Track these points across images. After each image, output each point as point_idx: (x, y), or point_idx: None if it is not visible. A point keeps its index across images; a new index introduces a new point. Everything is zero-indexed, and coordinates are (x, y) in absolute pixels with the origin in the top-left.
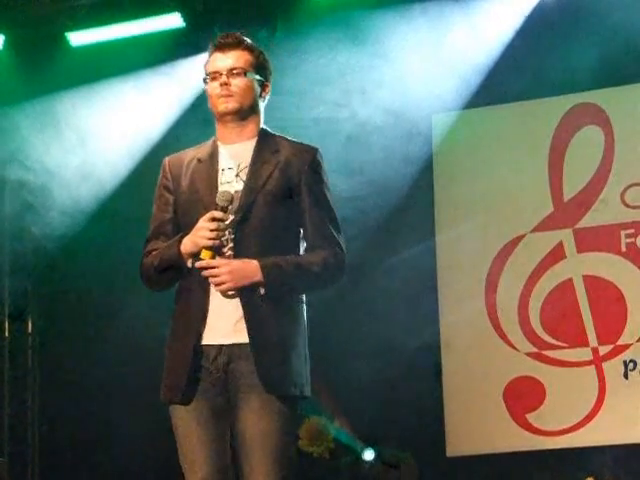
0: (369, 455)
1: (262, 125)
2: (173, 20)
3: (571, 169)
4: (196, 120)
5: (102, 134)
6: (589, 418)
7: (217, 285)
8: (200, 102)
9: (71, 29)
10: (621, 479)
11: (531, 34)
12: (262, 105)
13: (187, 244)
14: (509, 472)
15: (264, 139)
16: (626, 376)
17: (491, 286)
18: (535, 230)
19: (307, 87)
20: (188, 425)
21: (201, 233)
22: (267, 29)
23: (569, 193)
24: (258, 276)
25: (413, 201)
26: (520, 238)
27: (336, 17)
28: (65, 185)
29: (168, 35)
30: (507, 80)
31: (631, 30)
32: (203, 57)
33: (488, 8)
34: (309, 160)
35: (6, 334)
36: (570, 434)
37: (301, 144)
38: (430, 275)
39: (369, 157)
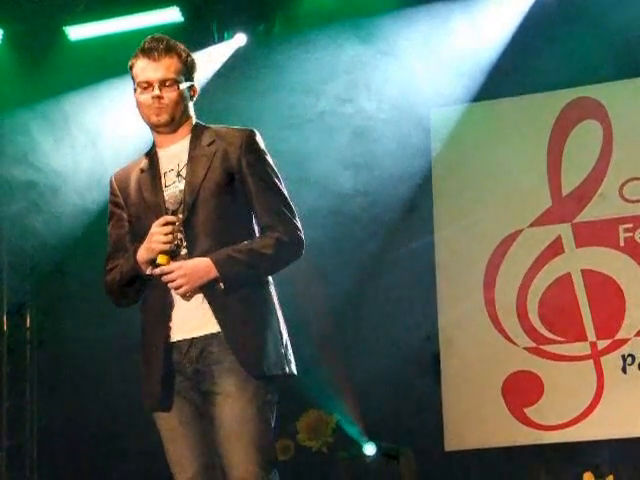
0: (370, 450)
1: (194, 121)
2: (172, 14)
3: (570, 163)
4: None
5: (105, 133)
6: (587, 412)
7: (175, 289)
8: (199, 99)
9: (69, 23)
10: (619, 473)
11: (530, 29)
12: (192, 105)
13: (142, 252)
14: (507, 466)
15: (198, 133)
16: (624, 370)
17: (489, 281)
18: (533, 225)
19: (312, 82)
20: (172, 426)
21: (155, 238)
22: (265, 25)
23: (567, 187)
24: (213, 272)
25: (417, 196)
26: (518, 233)
27: (339, 13)
28: (70, 183)
29: (166, 30)
30: (506, 75)
31: (630, 24)
32: (201, 52)
33: (489, 3)
34: (245, 142)
35: (4, 328)
36: (568, 428)
37: (236, 129)
38: (429, 270)
39: (375, 153)
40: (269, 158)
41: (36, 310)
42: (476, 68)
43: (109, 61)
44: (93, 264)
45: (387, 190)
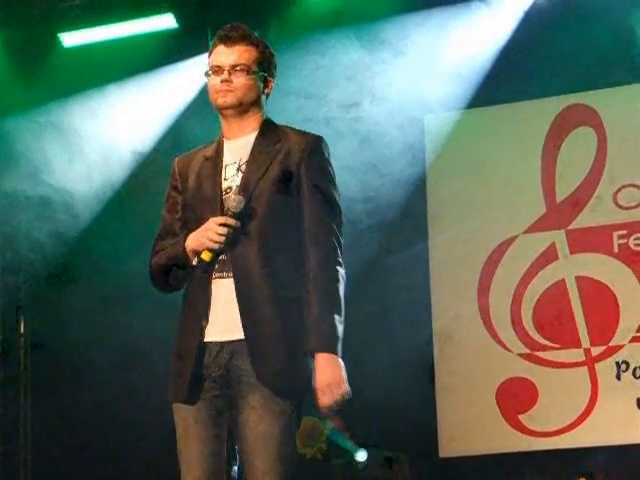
0: (362, 456)
1: (265, 116)
2: (166, 21)
3: (564, 170)
4: (194, 122)
5: (105, 138)
6: (581, 419)
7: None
8: (199, 101)
9: (64, 30)
10: None
11: (525, 36)
12: (265, 99)
13: (192, 240)
14: (501, 473)
15: (266, 131)
16: (618, 377)
17: (484, 287)
18: (528, 231)
19: (315, 88)
20: (188, 423)
21: (208, 234)
22: (260, 31)
23: (562, 194)
24: (338, 364)
25: (417, 202)
26: (513, 239)
27: (334, 19)
28: (69, 188)
29: (161, 36)
30: (501, 81)
31: (624, 32)
32: (196, 59)
33: (484, 11)
34: (310, 146)
35: None
36: (562, 435)
37: (304, 133)
38: (424, 276)
39: (377, 158)
40: (331, 168)
41: (31, 316)
42: (472, 74)
43: (103, 68)
44: (90, 271)
45: (389, 195)
